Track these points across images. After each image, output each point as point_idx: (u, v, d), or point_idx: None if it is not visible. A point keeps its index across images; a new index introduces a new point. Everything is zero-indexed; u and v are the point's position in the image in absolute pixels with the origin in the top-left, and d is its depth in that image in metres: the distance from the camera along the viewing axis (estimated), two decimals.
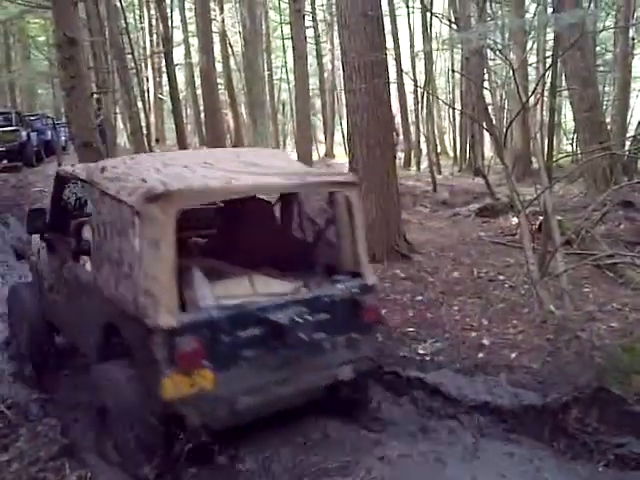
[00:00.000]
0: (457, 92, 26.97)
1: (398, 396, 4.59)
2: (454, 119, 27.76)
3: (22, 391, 4.64)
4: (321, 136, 34.11)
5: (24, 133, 17.10)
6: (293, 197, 4.74)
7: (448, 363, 4.75)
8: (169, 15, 19.50)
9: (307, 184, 4.09)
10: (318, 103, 32.69)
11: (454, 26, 8.25)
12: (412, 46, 24.18)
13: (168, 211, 3.32)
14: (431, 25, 18.21)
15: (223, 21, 24.56)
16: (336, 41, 31.02)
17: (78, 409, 4.37)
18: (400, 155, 19.86)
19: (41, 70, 27.74)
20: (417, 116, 24.20)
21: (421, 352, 5.01)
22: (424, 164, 22.03)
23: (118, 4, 15.75)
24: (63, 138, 20.85)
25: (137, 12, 27.94)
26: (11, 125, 15.91)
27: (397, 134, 18.23)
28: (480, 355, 4.75)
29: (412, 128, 24.56)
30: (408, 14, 25.18)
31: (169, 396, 3.31)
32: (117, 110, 16.93)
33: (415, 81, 16.71)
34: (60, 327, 4.99)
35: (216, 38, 22.26)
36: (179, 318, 3.30)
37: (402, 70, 16.75)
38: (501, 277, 6.39)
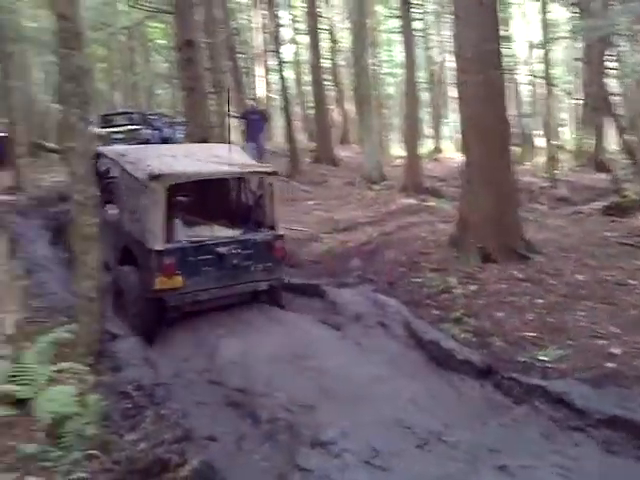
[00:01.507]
0: (578, 82, 25.67)
1: (516, 404, 4.38)
2: (574, 111, 26.37)
3: (148, 374, 4.84)
4: (429, 130, 33.52)
5: (146, 131, 17.96)
6: (241, 179, 7.26)
7: (573, 372, 4.47)
8: (279, 14, 19.75)
9: (245, 172, 6.81)
10: (425, 96, 32.13)
11: (577, 12, 7.77)
12: (527, 35, 23.19)
13: (161, 185, 5.85)
14: (548, 11, 17.35)
15: (331, 18, 24.71)
16: (445, 33, 30.47)
17: None
18: (515, 149, 19.09)
19: (160, 72, 28.99)
20: (533, 108, 23.28)
21: (542, 358, 4.75)
22: (540, 158, 21.14)
23: (232, 6, 16.18)
24: (179, 136, 21.69)
25: (249, 13, 28.59)
26: (134, 124, 16.67)
27: (511, 127, 17.49)
28: (609, 365, 4.42)
29: (527, 120, 23.59)
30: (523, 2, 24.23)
31: (157, 287, 5.84)
32: (229, 109, 17.36)
33: (531, 71, 15.99)
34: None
35: (324, 35, 22.41)
36: (165, 246, 5.87)
37: (517, 61, 16.08)
38: (632, 282, 5.90)
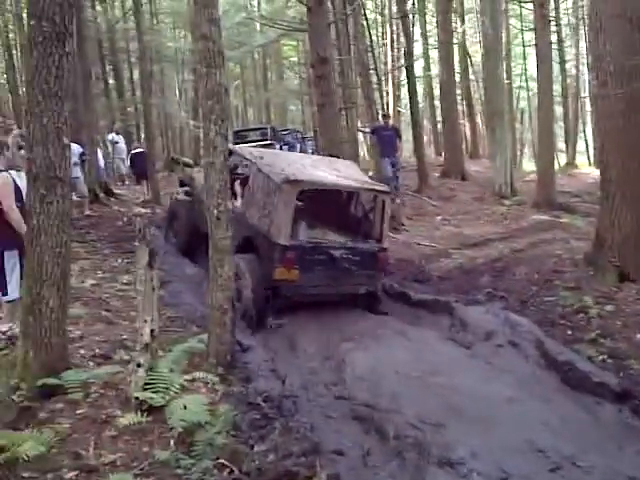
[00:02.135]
0: None
1: None
2: None
3: (276, 386, 4.96)
4: (562, 145, 32.23)
5: (278, 146, 18.67)
6: (356, 193, 8.08)
7: None
8: (411, 29, 19.89)
9: (361, 188, 7.63)
10: (559, 111, 30.94)
11: None
12: None
13: (293, 189, 6.66)
14: None
15: (464, 32, 24.49)
16: (581, 45, 29.24)
17: None
18: None
19: (292, 88, 29.93)
20: None
21: None
22: None
23: (364, 23, 16.49)
24: (310, 150, 22.35)
25: (380, 29, 28.93)
26: (266, 139, 17.42)
27: None
28: None
29: None
30: None
31: (277, 277, 6.67)
32: (359, 124, 17.70)
33: None
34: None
35: (455, 49, 22.25)
36: (289, 241, 6.67)
37: None
38: None
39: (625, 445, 4.11)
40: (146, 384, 4.15)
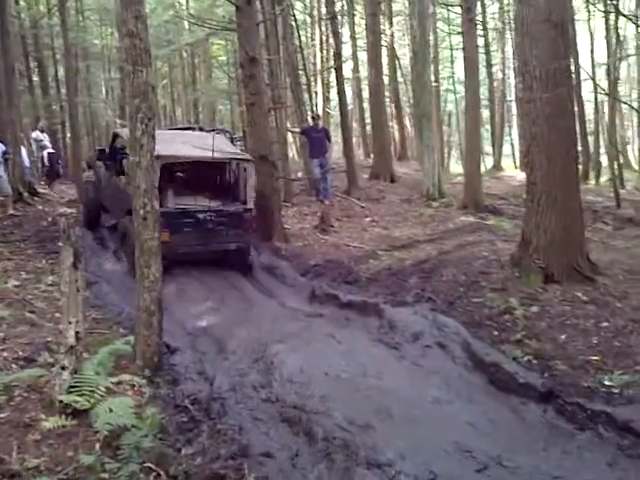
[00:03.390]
0: None
1: (580, 430, 4.26)
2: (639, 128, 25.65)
3: (204, 388, 4.91)
4: (488, 148, 33.13)
5: None
6: (221, 163, 9.08)
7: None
8: (340, 31, 19.93)
9: (225, 158, 8.67)
10: (486, 114, 31.79)
11: None
12: (592, 52, 22.70)
13: (157, 164, 6.34)
14: (617, 28, 16.99)
15: (392, 35, 24.77)
16: (508, 49, 30.15)
17: None
18: (578, 167, 18.68)
19: (221, 88, 29.60)
20: (597, 126, 22.72)
21: (607, 384, 4.61)
22: (604, 177, 20.60)
23: (293, 24, 16.40)
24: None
25: (309, 30, 28.94)
26: None
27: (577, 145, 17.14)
28: None
29: (590, 139, 23.06)
30: (589, 18, 23.74)
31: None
32: (288, 125, 17.59)
33: (596, 88, 15.65)
34: (106, 206, 10.26)
35: (384, 51, 22.47)
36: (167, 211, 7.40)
37: (581, 78, 15.73)
38: None
39: (550, 445, 4.15)
40: (71, 387, 4.12)
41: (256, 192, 10.25)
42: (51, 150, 16.83)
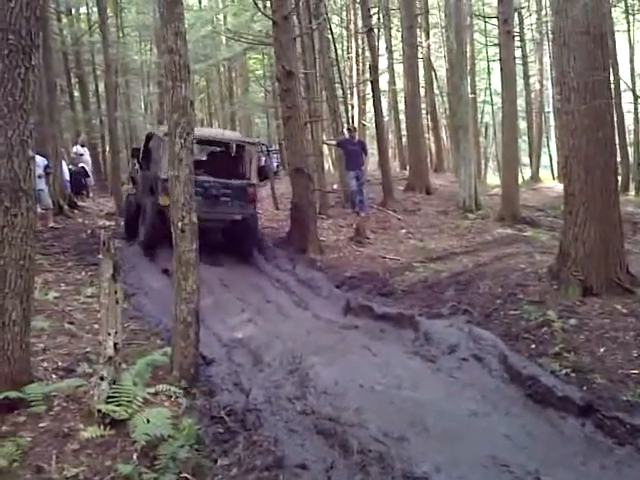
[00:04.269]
0: None
1: (619, 444, 4.19)
2: None
3: (240, 400, 4.94)
4: (525, 159, 32.76)
5: None
6: (229, 145, 11.33)
7: None
8: (376, 44, 20.00)
9: (231, 140, 11.21)
10: (523, 125, 31.48)
11: None
12: (632, 62, 22.33)
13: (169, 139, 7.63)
14: None
15: (428, 47, 24.76)
16: (545, 60, 29.85)
17: None
18: (618, 179, 18.37)
19: (258, 101, 29.91)
20: (637, 137, 22.29)
21: None
22: None
23: (330, 37, 16.54)
24: (275, 164, 22.28)
25: (345, 43, 29.10)
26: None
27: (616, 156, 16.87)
28: None
29: (631, 150, 22.66)
30: (629, 29, 23.40)
31: (161, 203, 9.03)
32: (324, 137, 17.71)
33: (636, 99, 15.39)
34: (140, 203, 10.99)
35: (420, 64, 22.46)
36: (167, 175, 6.78)
37: (621, 89, 15.49)
38: None
39: (588, 460, 4.10)
40: (109, 397, 4.17)
41: (292, 204, 11.44)
42: (73, 166, 17.32)
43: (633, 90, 16.09)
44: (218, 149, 12.09)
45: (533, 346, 5.78)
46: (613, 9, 17.74)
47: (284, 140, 12.33)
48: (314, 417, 4.74)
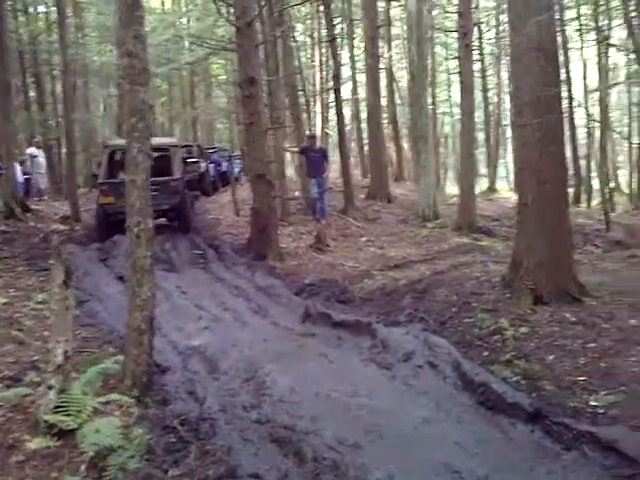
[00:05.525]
0: (634, 125, 25.30)
1: (566, 450, 4.31)
2: (630, 154, 25.95)
3: (194, 408, 4.88)
4: (484, 170, 33.37)
5: (203, 164, 18.42)
6: (167, 150, 13.81)
7: (624, 418, 4.36)
8: (339, 53, 20.19)
9: (163, 145, 13.86)
10: (482, 136, 32.10)
11: (634, 58, 7.74)
12: (585, 79, 23.00)
13: (105, 150, 13.58)
14: (607, 57, 17.28)
15: (390, 58, 25.06)
16: (503, 74, 30.50)
17: None
18: (570, 191, 18.89)
19: (220, 106, 29.82)
20: (588, 150, 22.95)
21: (593, 404, 4.67)
22: (595, 201, 20.80)
23: (293, 45, 16.62)
24: (237, 170, 22.18)
25: (309, 51, 29.25)
26: (193, 157, 17.22)
27: (567, 169, 17.38)
28: None
29: (583, 163, 23.30)
30: (582, 47, 24.08)
31: (100, 202, 12.68)
32: (287, 144, 17.76)
33: (588, 114, 15.86)
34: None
35: (382, 74, 22.71)
36: (104, 180, 12.79)
37: (573, 104, 15.95)
38: None
39: (536, 465, 4.19)
40: (57, 407, 4.05)
41: (252, 210, 11.41)
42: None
43: (585, 106, 16.57)
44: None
45: (486, 353, 5.89)
46: (567, 27, 18.23)
47: (245, 146, 12.31)
48: (269, 425, 4.72)
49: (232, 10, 12.30)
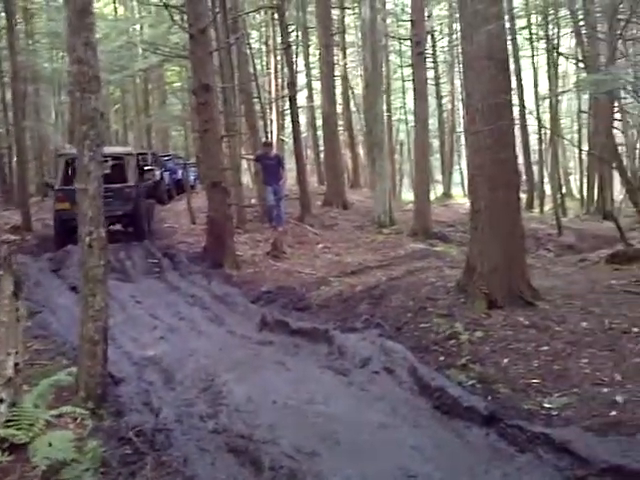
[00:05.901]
0: (584, 132, 26.02)
1: (520, 452, 4.36)
2: (580, 160, 26.68)
3: (149, 419, 4.81)
4: (439, 176, 33.84)
5: (158, 172, 18.19)
6: (122, 158, 13.57)
7: (577, 420, 4.44)
8: (294, 61, 20.22)
9: (117, 154, 13.98)
10: (436, 143, 32.56)
11: (583, 66, 7.95)
12: (536, 86, 23.57)
13: (60, 158, 13.27)
14: (557, 65, 17.74)
15: (345, 65, 25.23)
16: (456, 82, 31.04)
17: None
18: (522, 196, 19.29)
19: (175, 114, 29.55)
20: (540, 157, 23.50)
21: (547, 406, 4.74)
22: (547, 206, 21.29)
23: (248, 52, 16.58)
24: (192, 177, 21.98)
25: (264, 59, 29.24)
26: (147, 164, 16.97)
27: (520, 175, 17.75)
28: (613, 413, 4.40)
29: (535, 168, 23.84)
30: (533, 55, 24.67)
31: (57, 208, 12.41)
32: (242, 152, 17.69)
33: (539, 121, 16.24)
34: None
35: (337, 81, 22.86)
36: (60, 187, 12.56)
37: (525, 111, 16.33)
38: (636, 329, 5.88)
39: (491, 468, 4.23)
40: (8, 421, 3.98)
41: (208, 218, 11.49)
42: None
43: (537, 113, 16.97)
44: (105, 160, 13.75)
45: (442, 358, 5.94)
46: (518, 35, 18.65)
47: (201, 154, 12.22)
48: (226, 435, 4.66)
49: (186, 17, 12.21)
